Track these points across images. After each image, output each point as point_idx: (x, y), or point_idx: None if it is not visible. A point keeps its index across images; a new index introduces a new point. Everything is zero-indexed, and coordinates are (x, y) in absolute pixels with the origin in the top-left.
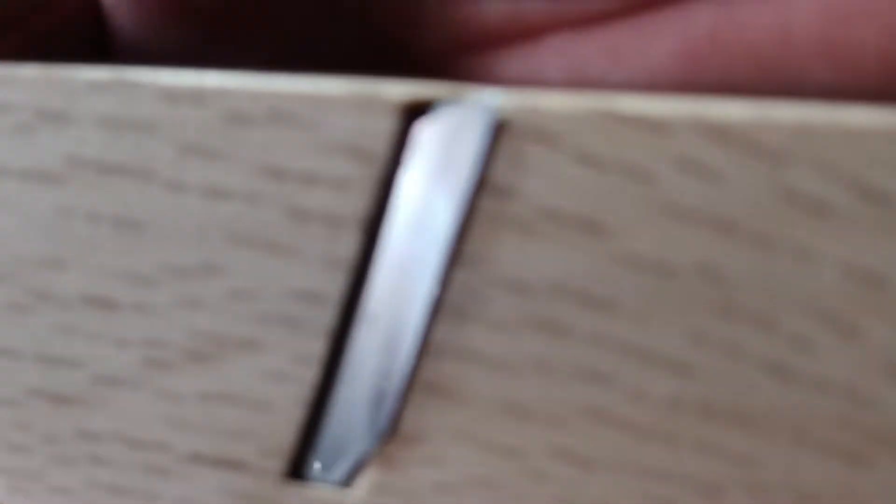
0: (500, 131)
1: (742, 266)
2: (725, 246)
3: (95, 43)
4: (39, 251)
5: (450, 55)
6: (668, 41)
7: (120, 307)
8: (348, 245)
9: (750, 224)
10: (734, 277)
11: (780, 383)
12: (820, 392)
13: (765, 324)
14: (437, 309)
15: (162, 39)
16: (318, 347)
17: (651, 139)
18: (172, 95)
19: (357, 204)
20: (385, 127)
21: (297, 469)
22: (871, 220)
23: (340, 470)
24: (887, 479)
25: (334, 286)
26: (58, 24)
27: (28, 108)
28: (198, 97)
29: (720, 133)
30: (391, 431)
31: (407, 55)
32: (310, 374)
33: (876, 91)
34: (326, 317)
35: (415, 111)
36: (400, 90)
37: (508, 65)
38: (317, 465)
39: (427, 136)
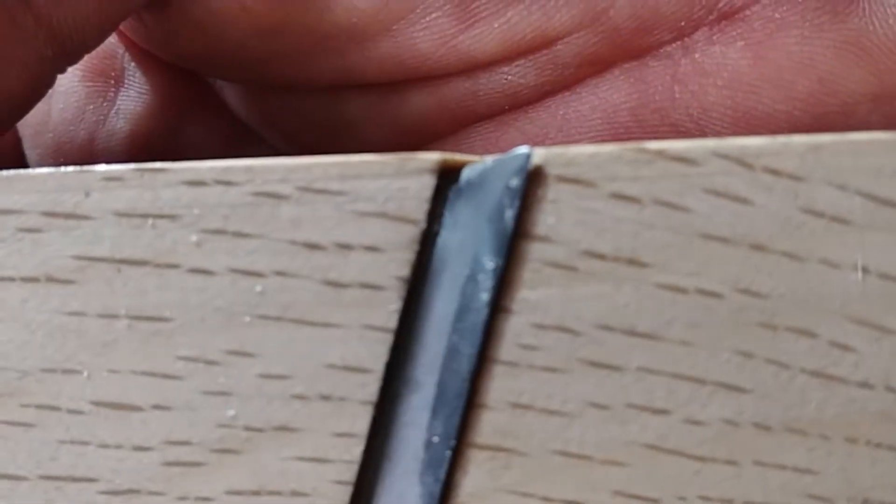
0: (533, 180)
1: (776, 282)
2: (759, 265)
3: None
4: (44, 361)
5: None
6: (594, 123)
7: (138, 409)
8: (388, 310)
9: (778, 241)
10: (771, 294)
11: (825, 389)
12: (862, 392)
13: (805, 334)
14: (486, 363)
15: None
16: (360, 423)
17: (679, 171)
18: (198, 180)
19: (396, 267)
20: (421, 187)
21: None
22: (885, 224)
23: None
24: None
25: (376, 355)
26: None
27: (35, 210)
28: (225, 179)
29: (741, 160)
30: (445, 500)
31: None
32: (353, 453)
33: None
34: (368, 389)
35: (448, 172)
36: (434, 154)
37: None
38: None
39: (462, 192)
